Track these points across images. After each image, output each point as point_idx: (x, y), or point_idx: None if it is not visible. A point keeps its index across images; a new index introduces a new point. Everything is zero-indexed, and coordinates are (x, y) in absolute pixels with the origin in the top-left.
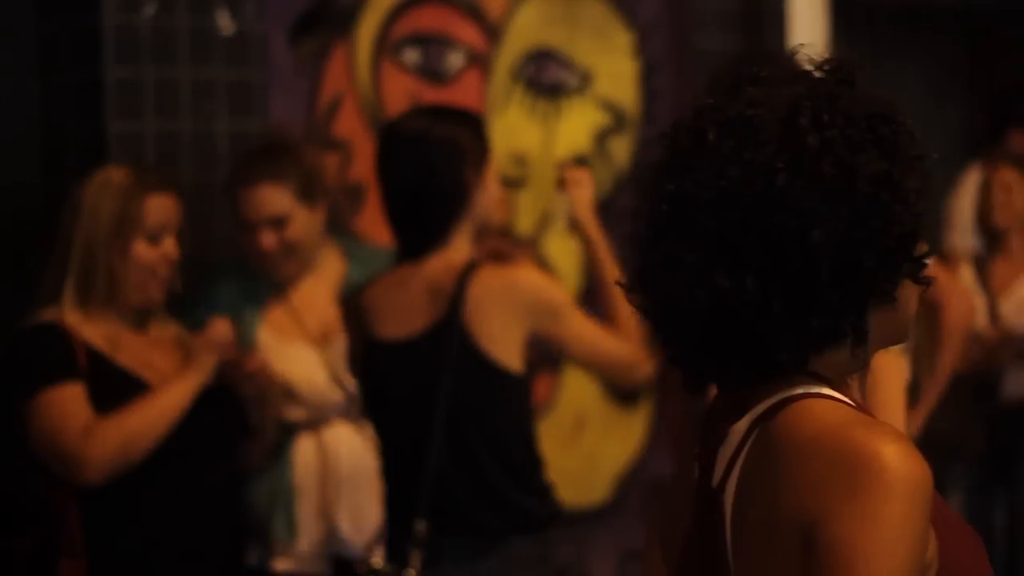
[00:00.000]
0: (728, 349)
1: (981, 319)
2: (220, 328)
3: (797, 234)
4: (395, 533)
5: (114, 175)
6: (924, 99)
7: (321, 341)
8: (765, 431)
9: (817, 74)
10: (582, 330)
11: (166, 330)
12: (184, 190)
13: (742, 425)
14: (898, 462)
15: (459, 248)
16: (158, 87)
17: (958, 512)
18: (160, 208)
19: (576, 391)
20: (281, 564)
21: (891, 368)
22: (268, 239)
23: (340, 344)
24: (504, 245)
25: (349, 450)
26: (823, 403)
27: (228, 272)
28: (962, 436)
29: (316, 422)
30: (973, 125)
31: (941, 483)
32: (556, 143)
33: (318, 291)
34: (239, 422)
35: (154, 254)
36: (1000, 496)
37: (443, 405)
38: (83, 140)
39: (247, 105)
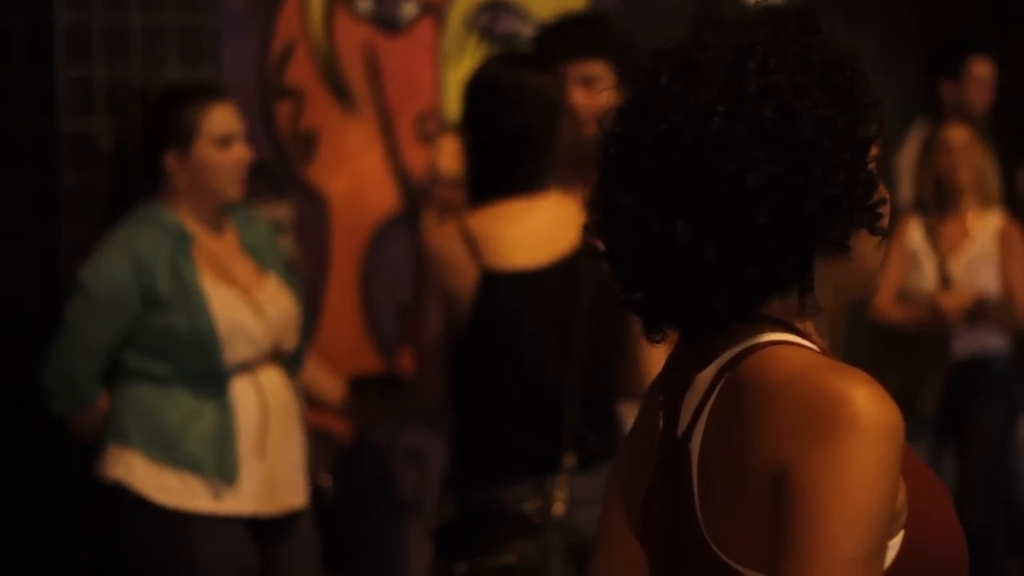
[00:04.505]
0: (670, 295)
1: (930, 279)
2: None
3: (732, 178)
4: (524, 463)
5: None
6: (875, 54)
7: (248, 288)
8: (733, 378)
9: (780, 20)
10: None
11: None
12: (135, 136)
13: (708, 373)
14: (870, 406)
15: (555, 187)
16: (108, 32)
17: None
18: None
19: None
20: (224, 505)
21: None
22: (247, 149)
23: (264, 291)
24: (457, 196)
25: (284, 392)
26: (791, 349)
27: (137, 225)
28: (913, 395)
29: (253, 364)
30: (923, 82)
31: None
32: None
33: (229, 243)
34: None
35: None
36: (949, 454)
37: (584, 332)
38: (32, 85)
39: (198, 51)
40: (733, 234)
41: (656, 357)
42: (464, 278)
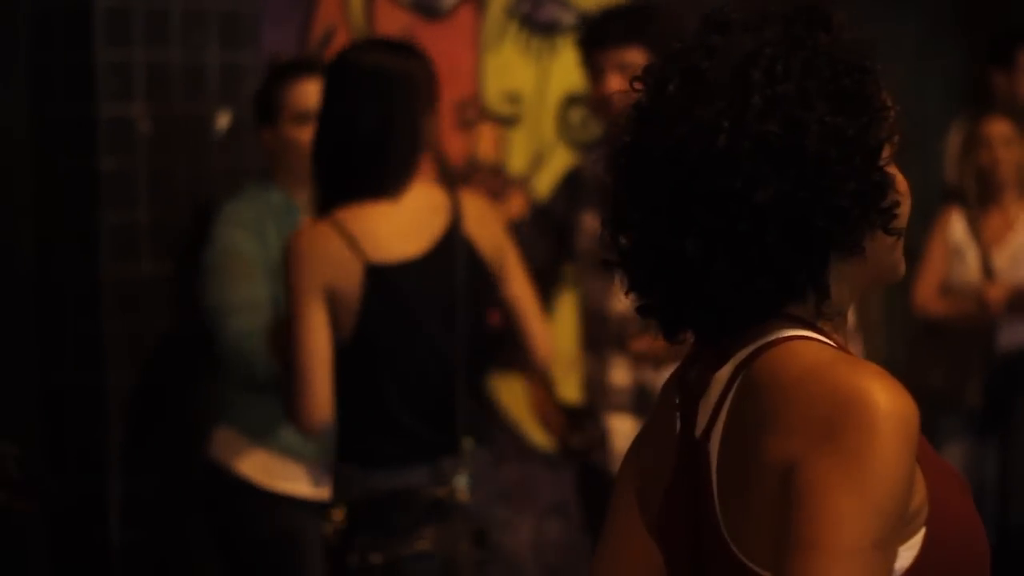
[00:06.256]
0: (683, 304)
1: (973, 272)
2: None
3: (741, 195)
4: (424, 449)
5: None
6: (917, 46)
7: None
8: (748, 376)
9: (789, 18)
10: (524, 276)
11: None
12: (174, 121)
13: (725, 372)
14: (883, 398)
15: (423, 179)
16: (148, 16)
17: (952, 464)
18: None
19: None
20: (324, 491)
21: None
22: None
23: None
24: (496, 183)
25: None
26: (805, 344)
27: (245, 195)
28: (956, 388)
29: None
30: (967, 73)
31: (935, 436)
32: (550, 82)
33: None
34: None
35: None
36: (993, 448)
37: (465, 314)
38: (71, 69)
39: (238, 36)
40: (744, 249)
41: (542, 330)
42: (349, 274)
